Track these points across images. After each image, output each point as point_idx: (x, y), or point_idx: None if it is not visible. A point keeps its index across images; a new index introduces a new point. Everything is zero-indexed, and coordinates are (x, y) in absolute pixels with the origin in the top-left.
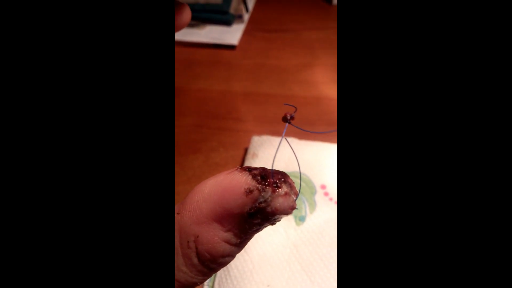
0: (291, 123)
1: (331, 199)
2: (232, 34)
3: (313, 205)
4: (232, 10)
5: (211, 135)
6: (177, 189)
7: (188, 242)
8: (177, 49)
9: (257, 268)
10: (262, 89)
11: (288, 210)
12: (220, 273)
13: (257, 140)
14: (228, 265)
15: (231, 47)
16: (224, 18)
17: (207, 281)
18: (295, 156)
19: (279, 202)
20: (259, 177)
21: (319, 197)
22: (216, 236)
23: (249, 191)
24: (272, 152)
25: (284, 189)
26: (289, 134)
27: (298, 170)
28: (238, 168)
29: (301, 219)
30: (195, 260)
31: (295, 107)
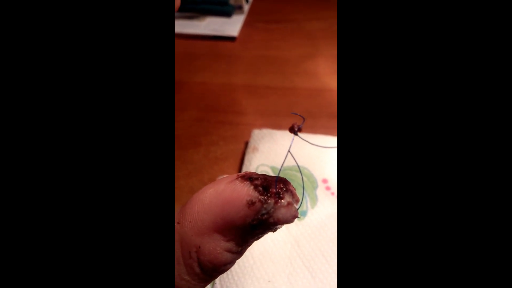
0: (298, 135)
1: (333, 193)
2: (232, 26)
3: (314, 200)
4: (232, 1)
5: (211, 128)
6: (178, 183)
7: (190, 252)
8: (176, 42)
9: (258, 264)
10: (263, 81)
11: (290, 219)
12: None
13: (258, 133)
14: None
15: (231, 39)
16: (224, 9)
17: None
18: (292, 155)
19: (282, 213)
20: (260, 188)
21: (320, 191)
22: (218, 247)
23: (251, 203)
24: (273, 145)
25: (287, 199)
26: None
27: (301, 164)
28: (239, 176)
29: (302, 214)
30: (197, 270)
31: (303, 118)
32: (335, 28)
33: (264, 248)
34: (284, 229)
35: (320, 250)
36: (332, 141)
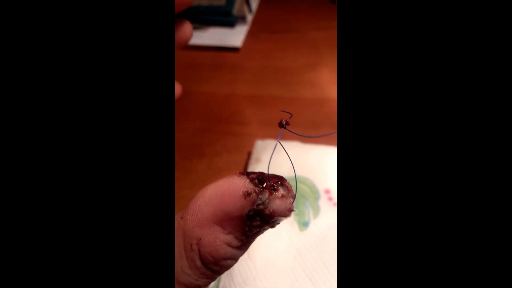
0: (287, 128)
1: (335, 204)
2: (235, 36)
3: (316, 210)
4: (235, 11)
5: (215, 139)
6: (181, 193)
7: (191, 245)
8: (180, 52)
9: (261, 275)
10: (267, 91)
11: (286, 212)
12: (224, 278)
13: (261, 144)
14: (231, 271)
15: (234, 49)
16: (227, 19)
17: (211, 286)
18: (290, 160)
19: (277, 204)
20: (256, 181)
21: (323, 202)
22: (218, 239)
23: (247, 194)
24: (276, 156)
25: (281, 191)
26: (293, 138)
27: (302, 174)
28: (237, 173)
29: (304, 225)
30: (199, 263)
31: (291, 114)
32: None
33: (267, 259)
34: (286, 240)
35: (322, 261)
36: (334, 152)
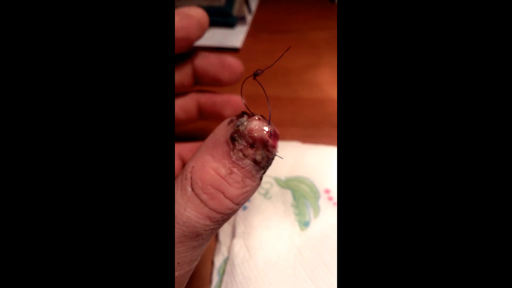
0: (256, 80)
1: (335, 203)
2: (235, 37)
3: (317, 210)
4: (235, 12)
5: None
6: None
7: (186, 175)
8: None
9: (262, 274)
10: (267, 91)
11: (262, 131)
12: (226, 279)
13: None
14: (234, 271)
15: (234, 50)
16: (227, 20)
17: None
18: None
19: (254, 123)
20: (239, 113)
21: (323, 201)
22: (207, 165)
23: (231, 121)
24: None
25: (258, 116)
26: (293, 137)
27: (302, 174)
28: None
29: (305, 224)
30: (189, 190)
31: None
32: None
33: (268, 259)
34: (287, 240)
35: (323, 260)
36: (334, 151)
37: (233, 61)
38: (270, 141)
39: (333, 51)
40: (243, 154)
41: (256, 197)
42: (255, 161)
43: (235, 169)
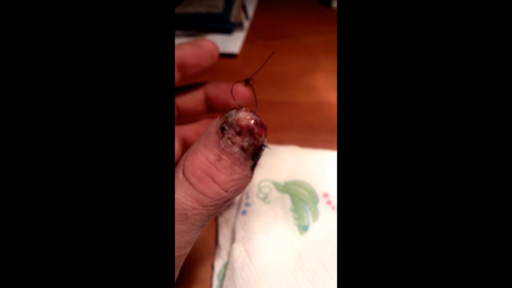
0: (250, 84)
1: (334, 207)
2: (233, 43)
3: (315, 214)
4: (232, 18)
5: None
6: None
7: (179, 164)
8: None
9: (262, 278)
10: (264, 96)
11: (248, 120)
12: (226, 283)
13: None
14: (234, 275)
15: (232, 56)
16: (225, 26)
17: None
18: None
19: (240, 114)
20: (230, 109)
21: (321, 205)
22: (199, 153)
23: (222, 115)
24: (275, 161)
25: (245, 108)
26: (291, 142)
27: (301, 179)
28: None
29: (304, 228)
30: (180, 175)
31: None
32: (334, 42)
33: (268, 263)
34: (287, 244)
35: (322, 264)
36: (332, 155)
37: (241, 89)
38: (256, 129)
39: (329, 56)
40: (231, 142)
41: (255, 201)
42: (242, 148)
43: (224, 156)
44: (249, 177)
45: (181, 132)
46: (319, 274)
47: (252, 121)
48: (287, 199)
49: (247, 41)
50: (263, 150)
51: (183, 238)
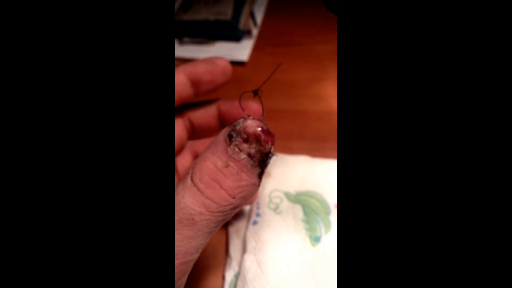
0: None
1: None
2: (241, 50)
3: (328, 225)
4: (241, 25)
5: None
6: None
7: (189, 171)
8: None
9: None
10: (273, 105)
11: (255, 128)
12: None
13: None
14: (245, 287)
15: (241, 64)
16: (233, 34)
17: None
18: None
19: (248, 122)
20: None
21: (334, 216)
22: (207, 159)
23: (231, 125)
24: (286, 170)
25: (253, 116)
26: (300, 151)
27: (312, 189)
28: None
29: (316, 240)
30: (189, 181)
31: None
32: None
33: (280, 274)
34: (299, 255)
35: (335, 276)
36: None
37: (253, 105)
38: (263, 136)
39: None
40: (238, 149)
41: (266, 212)
42: (249, 155)
43: (231, 163)
44: (256, 185)
45: (194, 146)
46: (331, 284)
47: (259, 129)
48: (298, 209)
49: (256, 49)
50: (270, 158)
51: (191, 244)
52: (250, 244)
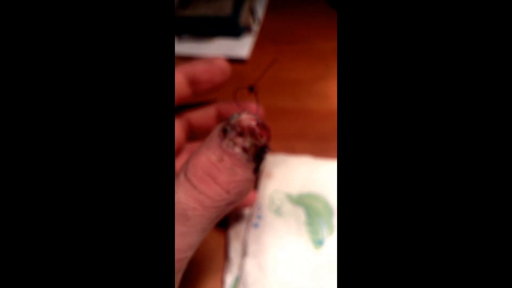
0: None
1: None
2: (241, 47)
3: (331, 228)
4: (241, 22)
5: None
6: None
7: (183, 167)
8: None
9: None
10: (275, 103)
11: (250, 121)
12: None
13: (272, 159)
14: None
15: (241, 61)
16: (233, 30)
17: None
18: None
19: (243, 117)
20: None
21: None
22: (201, 154)
23: (226, 119)
24: (288, 171)
25: (247, 110)
26: (303, 151)
27: (315, 191)
28: None
29: (319, 243)
30: (182, 176)
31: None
32: None
33: (283, 278)
34: (301, 259)
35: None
36: None
37: (253, 105)
38: (257, 129)
39: None
40: (233, 143)
41: (267, 214)
42: (244, 149)
43: (225, 157)
44: (251, 181)
45: (192, 148)
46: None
47: (254, 122)
48: (301, 212)
49: (257, 46)
50: (265, 153)
51: (184, 241)
52: (251, 247)
